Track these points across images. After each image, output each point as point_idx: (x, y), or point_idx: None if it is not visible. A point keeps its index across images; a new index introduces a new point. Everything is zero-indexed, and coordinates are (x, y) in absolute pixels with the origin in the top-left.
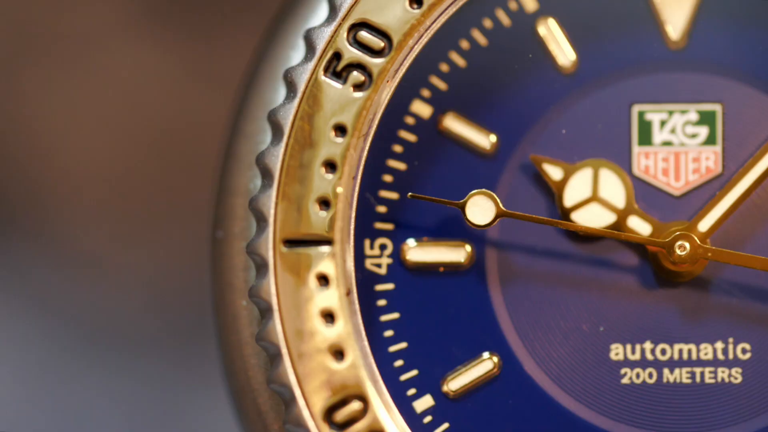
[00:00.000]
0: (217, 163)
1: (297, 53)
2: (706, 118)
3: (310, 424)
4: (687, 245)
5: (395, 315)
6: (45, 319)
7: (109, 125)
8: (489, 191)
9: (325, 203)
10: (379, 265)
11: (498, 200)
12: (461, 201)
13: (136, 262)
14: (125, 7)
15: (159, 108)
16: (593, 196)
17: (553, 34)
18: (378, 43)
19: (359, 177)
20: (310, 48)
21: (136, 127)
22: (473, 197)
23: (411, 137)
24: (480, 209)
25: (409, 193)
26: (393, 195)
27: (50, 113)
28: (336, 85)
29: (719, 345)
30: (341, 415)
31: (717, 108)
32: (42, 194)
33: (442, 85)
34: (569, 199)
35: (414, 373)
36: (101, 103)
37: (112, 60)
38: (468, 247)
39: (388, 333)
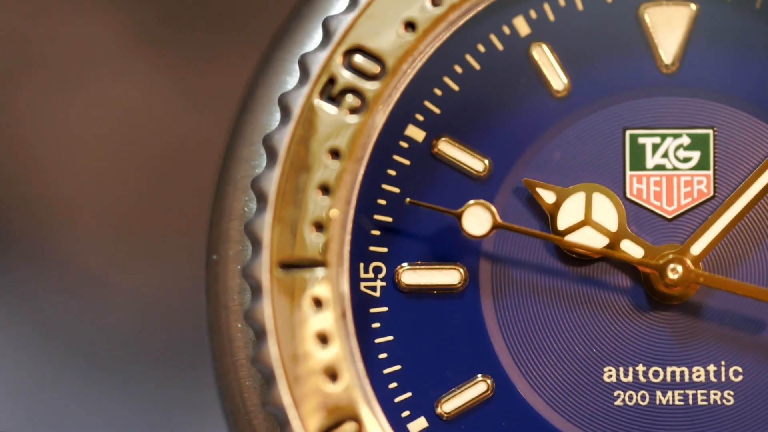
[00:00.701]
0: (213, 187)
1: (292, 78)
2: (698, 143)
3: None
4: (679, 268)
5: (389, 337)
6: (42, 339)
7: (105, 147)
8: (486, 202)
9: (319, 227)
10: (373, 288)
11: (495, 211)
12: (458, 210)
13: (132, 284)
14: (121, 29)
15: (155, 130)
16: (586, 219)
17: (546, 59)
18: (372, 67)
19: (354, 201)
20: (305, 73)
21: (132, 149)
22: (470, 207)
23: (405, 161)
24: (477, 219)
25: (408, 199)
26: (387, 218)
27: (47, 134)
28: (331, 109)
29: (711, 368)
30: None
31: (709, 132)
32: (37, 214)
33: (435, 109)
34: (562, 222)
35: (408, 395)
36: (97, 124)
37: (108, 81)
38: (462, 270)
39: (383, 355)
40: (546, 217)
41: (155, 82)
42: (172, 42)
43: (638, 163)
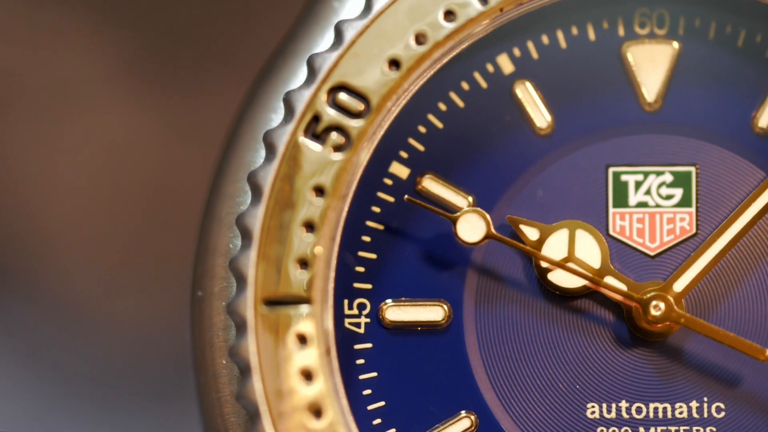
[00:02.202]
0: (198, 223)
1: (277, 115)
2: (680, 180)
3: None
4: (662, 305)
5: (373, 374)
6: (28, 371)
7: (92, 181)
8: (483, 211)
9: (304, 263)
10: (357, 325)
11: (490, 222)
12: (455, 215)
13: (118, 320)
14: (108, 64)
15: (141, 165)
16: (569, 256)
17: (529, 97)
18: (357, 105)
19: (338, 237)
20: (290, 110)
21: (119, 184)
22: (466, 214)
23: (389, 198)
24: (471, 226)
25: (406, 196)
26: (371, 255)
27: (34, 168)
28: (315, 147)
29: (694, 404)
30: None
31: (691, 170)
32: (24, 247)
33: (419, 146)
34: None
35: (392, 431)
36: (84, 159)
37: (95, 116)
38: (445, 307)
39: (367, 391)
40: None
41: (141, 116)
42: (158, 77)
43: (621, 200)
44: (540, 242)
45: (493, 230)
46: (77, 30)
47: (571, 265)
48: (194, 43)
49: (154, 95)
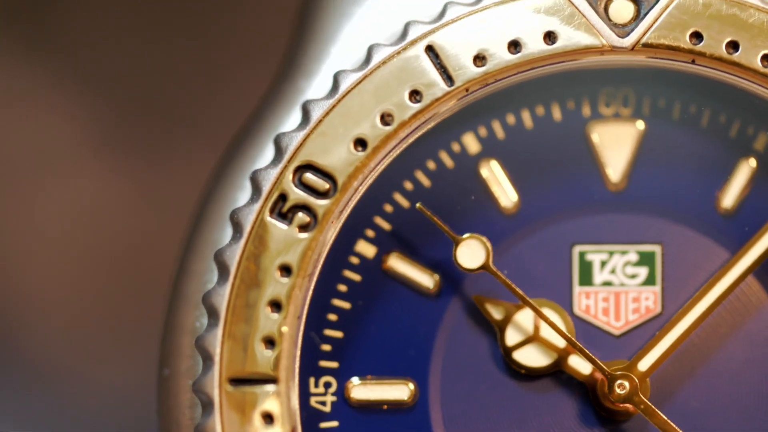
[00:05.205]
0: (165, 301)
1: (244, 194)
2: (645, 259)
3: None
4: (626, 384)
5: None
6: None
7: (63, 248)
8: (488, 242)
9: (270, 342)
10: (323, 403)
11: (491, 254)
12: (459, 237)
13: (82, 399)
14: (80, 131)
15: (112, 234)
16: (534, 335)
17: (495, 176)
18: (323, 184)
19: (304, 316)
20: (256, 189)
21: (89, 252)
22: (470, 239)
23: (355, 277)
24: (471, 252)
25: (418, 204)
26: (338, 334)
27: (6, 234)
28: (281, 226)
29: None
30: None
31: (656, 249)
32: None
33: (386, 225)
34: (511, 338)
35: None
36: (54, 226)
37: (66, 183)
38: (411, 385)
39: None
40: (495, 332)
41: (114, 184)
42: (130, 144)
43: (586, 279)
44: (505, 321)
45: (491, 263)
46: (50, 97)
47: (531, 349)
48: (166, 111)
49: (127, 163)
